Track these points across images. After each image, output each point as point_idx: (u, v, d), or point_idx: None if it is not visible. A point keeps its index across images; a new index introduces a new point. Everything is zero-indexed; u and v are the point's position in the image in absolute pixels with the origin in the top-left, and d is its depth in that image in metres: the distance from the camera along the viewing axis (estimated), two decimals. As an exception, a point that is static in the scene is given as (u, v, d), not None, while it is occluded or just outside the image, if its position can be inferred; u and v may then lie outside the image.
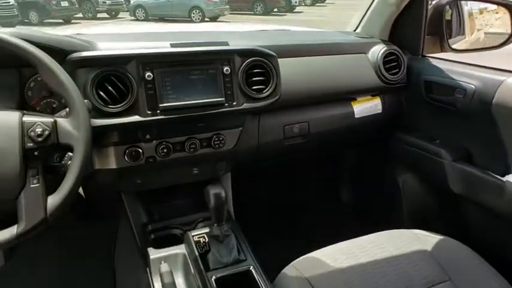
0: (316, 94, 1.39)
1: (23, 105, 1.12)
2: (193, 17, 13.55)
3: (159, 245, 1.22)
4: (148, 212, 1.41)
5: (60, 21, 13.50)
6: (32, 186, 0.82)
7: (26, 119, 0.83)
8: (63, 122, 0.86)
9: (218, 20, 13.94)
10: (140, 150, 1.15)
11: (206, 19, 13.54)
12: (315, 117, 1.44)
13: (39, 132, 0.82)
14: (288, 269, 1.14)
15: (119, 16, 15.54)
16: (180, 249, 1.16)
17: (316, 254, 1.20)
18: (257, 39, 1.35)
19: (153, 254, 1.15)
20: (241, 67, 1.17)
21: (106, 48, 1.09)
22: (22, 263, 1.66)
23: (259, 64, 1.20)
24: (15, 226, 0.81)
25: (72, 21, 13.87)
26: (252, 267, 1.03)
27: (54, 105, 1.15)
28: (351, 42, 1.52)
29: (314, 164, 2.17)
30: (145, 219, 1.37)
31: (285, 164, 1.99)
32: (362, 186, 2.08)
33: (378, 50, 1.50)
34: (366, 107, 1.53)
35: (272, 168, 1.88)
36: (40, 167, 0.84)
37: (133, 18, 14.28)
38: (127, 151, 1.14)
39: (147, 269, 1.17)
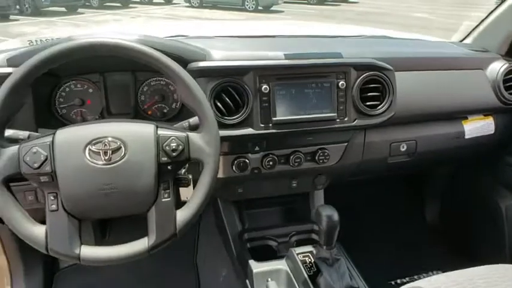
0: (428, 111, 1.30)
1: (136, 109, 1.15)
2: (247, 5, 13.47)
3: (256, 256, 1.21)
4: (241, 220, 1.41)
5: (119, 4, 14.06)
6: (163, 200, 0.83)
7: (161, 132, 0.83)
8: (196, 137, 0.85)
9: (272, 9, 13.78)
10: (247, 161, 1.14)
11: (259, 7, 13.41)
12: (423, 135, 1.36)
13: (173, 147, 0.82)
14: None
15: (173, 2, 15.83)
16: (282, 265, 1.14)
17: (424, 283, 1.13)
18: (367, 49, 1.28)
19: (256, 267, 1.14)
20: (357, 81, 1.12)
21: (222, 57, 1.08)
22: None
23: (375, 78, 1.14)
24: (146, 239, 0.83)
25: (130, 5, 14.40)
26: None
27: (165, 111, 1.17)
28: (468, 57, 1.41)
29: (402, 180, 2.07)
30: (239, 227, 1.37)
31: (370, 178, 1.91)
32: (454, 209, 1.94)
33: (498, 67, 1.37)
34: (477, 126, 1.41)
35: (357, 182, 1.81)
36: (171, 181, 0.85)
37: (187, 4, 14.50)
38: (235, 161, 1.14)
39: (247, 281, 1.16)
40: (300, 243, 1.28)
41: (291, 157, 1.17)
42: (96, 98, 1.12)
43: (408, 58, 1.27)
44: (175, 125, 0.93)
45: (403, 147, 1.33)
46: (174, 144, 0.82)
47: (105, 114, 1.13)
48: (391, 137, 1.32)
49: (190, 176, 0.93)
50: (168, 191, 0.84)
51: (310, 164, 1.21)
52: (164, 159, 0.82)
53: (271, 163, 1.16)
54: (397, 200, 2.11)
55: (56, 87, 1.10)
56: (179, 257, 1.77)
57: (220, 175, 1.15)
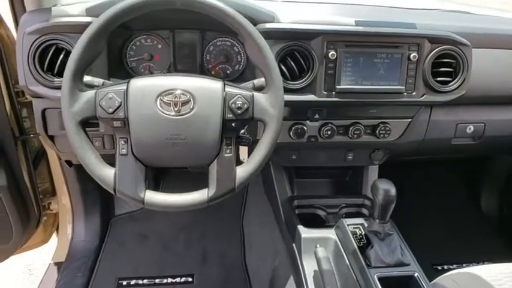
0: (502, 93, 1.22)
1: (201, 67, 1.17)
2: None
3: (305, 223, 1.22)
4: (291, 186, 1.43)
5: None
6: (225, 155, 0.85)
7: (228, 90, 0.84)
8: (261, 98, 0.86)
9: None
10: (305, 128, 1.14)
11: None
12: (494, 119, 1.27)
13: (239, 105, 0.83)
14: (444, 280, 1.06)
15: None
16: (331, 234, 1.14)
17: (475, 270, 1.10)
18: (443, 22, 1.20)
19: (304, 232, 1.15)
20: (431, 55, 1.06)
21: (291, 20, 1.06)
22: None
23: (449, 53, 1.07)
24: (206, 190, 0.86)
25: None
26: (416, 273, 0.97)
27: (228, 72, 1.19)
28: None
29: (456, 162, 1.98)
30: (289, 193, 1.38)
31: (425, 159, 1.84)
32: None
33: None
34: (555, 114, 1.30)
35: (411, 163, 1.74)
36: (233, 138, 0.86)
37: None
38: (293, 128, 1.13)
39: (293, 245, 1.18)
40: (349, 215, 1.27)
41: (351, 128, 1.15)
42: (165, 53, 1.15)
43: (488, 35, 1.18)
44: (242, 85, 0.94)
45: (470, 129, 1.26)
46: (240, 102, 0.83)
47: (172, 70, 1.16)
48: (459, 117, 1.25)
49: (250, 137, 0.95)
50: (230, 147, 0.86)
51: (370, 137, 1.19)
52: (229, 115, 0.84)
53: (329, 132, 1.14)
54: (454, 185, 2.03)
55: (128, 40, 1.14)
56: (227, 219, 1.84)
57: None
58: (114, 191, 0.83)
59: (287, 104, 1.06)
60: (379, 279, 0.94)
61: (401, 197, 1.97)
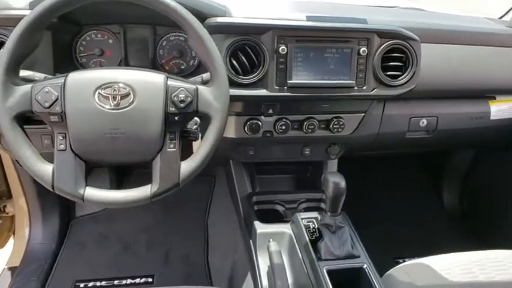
0: (453, 87, 1.24)
1: (154, 63, 1.16)
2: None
3: (263, 218, 1.22)
4: (252, 183, 1.42)
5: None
6: (168, 150, 0.84)
7: (171, 82, 0.83)
8: (205, 90, 0.85)
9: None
10: (260, 124, 1.13)
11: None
12: (446, 112, 1.30)
13: (182, 98, 0.82)
14: (396, 271, 1.07)
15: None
16: (286, 228, 1.14)
17: (427, 261, 1.11)
18: (394, 18, 1.23)
19: (260, 228, 1.15)
20: (380, 49, 1.07)
21: (242, 15, 1.06)
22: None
23: (399, 48, 1.09)
24: (149, 186, 0.84)
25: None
26: (365, 265, 0.98)
27: (182, 67, 1.18)
28: (501, 33, 1.32)
29: (417, 156, 2.02)
30: (249, 190, 1.37)
31: (386, 155, 1.87)
32: (472, 193, 1.89)
33: None
34: (504, 108, 1.34)
35: (369, 156, 1.77)
36: (177, 132, 0.85)
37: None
38: (247, 123, 1.13)
39: (250, 241, 1.18)
40: (308, 210, 1.28)
41: (305, 123, 1.16)
42: (116, 49, 1.13)
43: (436, 30, 1.20)
44: (189, 79, 0.93)
45: (423, 123, 1.29)
46: (183, 95, 0.83)
47: (123, 66, 1.14)
48: (411, 111, 1.27)
49: (199, 132, 0.94)
50: (174, 141, 0.85)
51: (324, 132, 1.19)
52: (172, 109, 0.82)
53: (283, 127, 1.14)
54: (415, 179, 2.07)
55: (77, 35, 1.11)
56: (191, 219, 1.82)
57: (232, 135, 1.15)
58: (52, 187, 0.81)
59: (240, 98, 1.06)
60: (328, 271, 0.94)
61: (363, 191, 2.01)
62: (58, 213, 1.66)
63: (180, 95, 0.82)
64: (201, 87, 0.85)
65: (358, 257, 1.00)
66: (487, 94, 1.33)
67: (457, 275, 1.07)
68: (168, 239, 1.71)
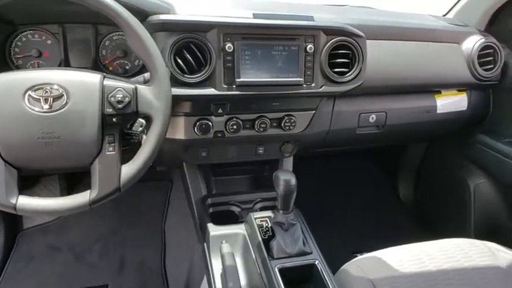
0: (399, 83, 1.28)
1: (96, 63, 1.11)
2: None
3: (217, 220, 1.20)
4: (207, 185, 1.40)
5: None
6: (107, 153, 0.80)
7: (107, 82, 0.80)
8: (144, 90, 0.82)
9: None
10: (210, 124, 1.11)
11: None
12: (394, 107, 1.33)
13: (119, 99, 0.79)
14: (349, 266, 1.08)
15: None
16: (240, 229, 1.13)
17: (378, 254, 1.14)
18: (341, 16, 1.24)
19: (213, 230, 1.13)
20: (326, 46, 1.08)
21: (187, 12, 1.03)
22: (77, 215, 1.71)
23: (345, 44, 1.10)
24: (88, 192, 0.80)
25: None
26: (317, 261, 0.98)
27: (127, 67, 1.14)
28: (444, 30, 1.37)
29: (372, 152, 2.06)
30: (204, 192, 1.35)
31: (340, 150, 1.90)
32: (424, 185, 1.95)
33: (474, 42, 1.34)
34: (450, 102, 1.39)
35: (325, 153, 1.79)
36: (117, 135, 0.82)
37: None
38: (197, 123, 1.10)
39: (205, 244, 1.15)
40: (263, 209, 1.26)
41: (256, 122, 1.14)
42: (55, 50, 1.08)
43: (382, 26, 1.23)
44: (131, 79, 0.90)
45: (373, 119, 1.31)
46: (120, 95, 0.79)
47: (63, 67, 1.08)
48: (361, 107, 1.29)
49: (144, 134, 0.90)
50: (113, 144, 0.81)
51: (276, 130, 1.18)
52: (109, 110, 0.79)
53: (235, 127, 1.13)
54: (371, 174, 2.12)
55: (11, 36, 1.05)
56: (148, 225, 1.76)
57: (181, 137, 1.12)
58: None
59: (187, 98, 1.03)
60: (280, 270, 0.93)
61: (320, 188, 2.03)
62: (2, 227, 1.56)
63: (118, 95, 0.79)
64: (140, 87, 0.82)
65: (311, 253, 1.00)
66: (433, 89, 1.37)
67: (407, 265, 1.09)
68: (124, 246, 1.65)
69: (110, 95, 0.78)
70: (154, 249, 1.64)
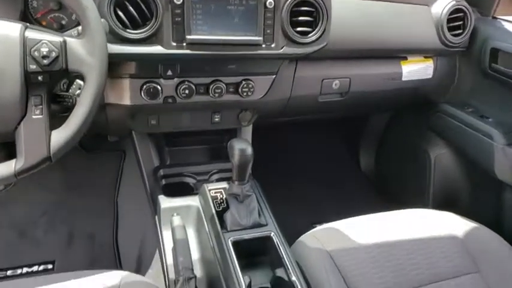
0: (366, 47, 1.21)
1: (27, 18, 0.97)
2: None
3: (170, 192, 1.12)
4: (160, 156, 1.30)
5: None
6: (34, 117, 0.70)
7: (29, 34, 0.68)
8: (75, 43, 0.71)
9: None
10: (159, 88, 1.01)
11: None
12: (358, 73, 1.27)
13: (44, 53, 0.68)
14: (306, 237, 1.05)
15: None
16: (193, 201, 1.06)
17: (336, 225, 1.10)
18: None
19: (164, 202, 1.05)
20: (288, 1, 0.98)
21: None
22: (21, 189, 1.58)
23: (308, 1, 1.01)
24: (14, 161, 0.70)
25: None
26: (273, 233, 0.93)
27: (63, 22, 1.00)
28: None
29: (334, 122, 2.02)
30: (156, 163, 1.26)
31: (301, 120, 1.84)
32: (386, 156, 1.94)
33: (444, 4, 1.28)
34: (415, 69, 1.34)
35: (286, 123, 1.73)
36: (44, 96, 0.71)
37: None
38: (144, 87, 1.00)
39: (156, 217, 1.08)
40: (220, 181, 1.20)
41: (211, 86, 1.05)
42: None
43: None
44: (63, 32, 0.78)
45: (336, 85, 1.25)
46: (46, 49, 0.68)
47: None
48: (324, 72, 1.22)
49: (76, 95, 0.79)
50: (40, 106, 0.70)
51: (233, 96, 1.10)
52: (33, 67, 0.68)
53: (187, 91, 1.03)
54: (334, 145, 2.09)
55: None
56: (100, 196, 1.66)
57: (126, 102, 1.02)
58: None
59: (131, 57, 0.92)
60: (234, 243, 0.88)
61: (280, 158, 1.97)
62: None
63: (42, 49, 0.68)
64: (69, 40, 0.71)
65: (266, 225, 0.95)
66: (399, 54, 1.32)
67: (366, 236, 1.07)
68: (72, 219, 1.54)
69: (33, 48, 0.68)
70: (106, 223, 1.55)
